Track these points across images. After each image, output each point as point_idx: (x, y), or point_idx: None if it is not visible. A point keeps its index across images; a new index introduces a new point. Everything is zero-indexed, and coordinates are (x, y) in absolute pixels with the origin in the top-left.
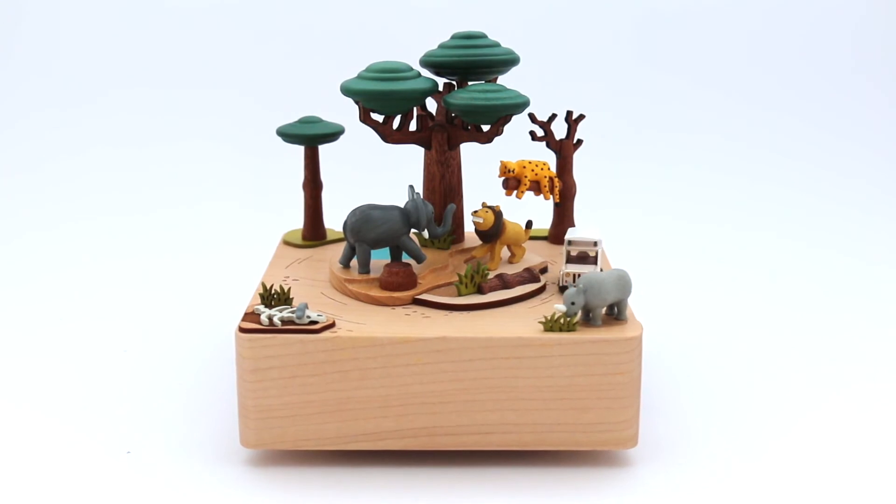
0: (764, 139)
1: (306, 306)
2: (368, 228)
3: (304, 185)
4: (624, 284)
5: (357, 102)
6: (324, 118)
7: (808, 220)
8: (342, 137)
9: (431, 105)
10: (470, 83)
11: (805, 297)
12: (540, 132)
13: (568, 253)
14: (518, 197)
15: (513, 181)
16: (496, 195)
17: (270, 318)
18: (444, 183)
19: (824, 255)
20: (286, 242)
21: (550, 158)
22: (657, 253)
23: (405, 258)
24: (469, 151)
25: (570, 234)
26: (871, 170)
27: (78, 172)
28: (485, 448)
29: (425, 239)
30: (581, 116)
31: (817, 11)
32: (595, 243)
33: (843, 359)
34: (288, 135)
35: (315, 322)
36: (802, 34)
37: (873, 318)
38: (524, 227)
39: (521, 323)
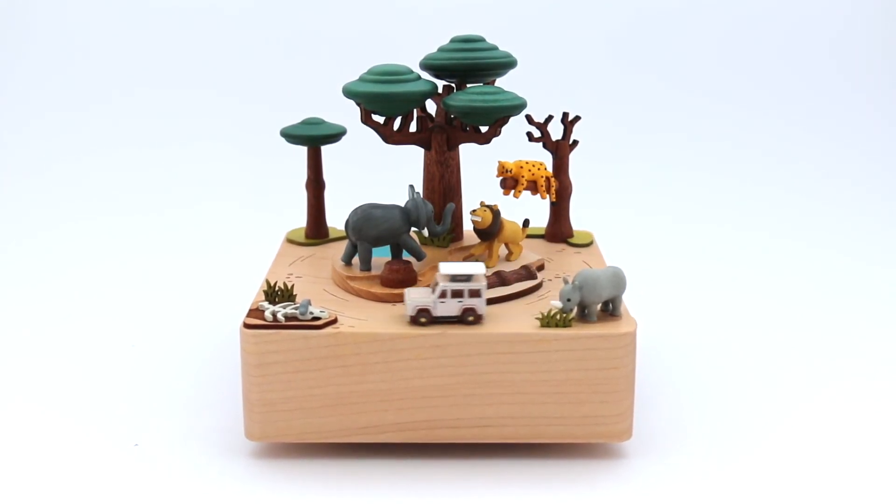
0: (762, 139)
1: (309, 303)
2: (370, 227)
3: (307, 185)
4: (618, 281)
5: (358, 104)
6: (326, 119)
7: (805, 221)
8: (344, 138)
9: (431, 107)
10: (469, 85)
11: (800, 295)
12: (537, 133)
13: (436, 283)
14: (515, 196)
15: (510, 181)
16: (494, 195)
17: (274, 315)
18: (443, 182)
19: (820, 255)
20: (290, 241)
21: (547, 159)
22: (654, 252)
23: (405, 256)
24: (468, 152)
25: (446, 268)
26: (869, 170)
27: (86, 173)
28: (483, 441)
29: (425, 237)
30: (577, 118)
31: (815, 11)
32: (451, 278)
33: (837, 356)
34: (291, 136)
35: (318, 318)
36: (802, 33)
37: (869, 316)
38: (521, 226)
39: (518, 319)
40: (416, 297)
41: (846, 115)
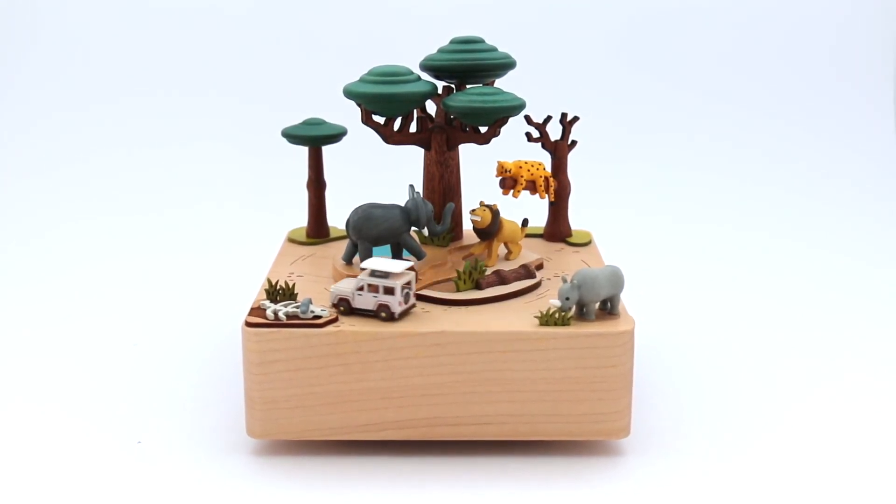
0: (762, 139)
1: (310, 301)
2: (370, 226)
3: (309, 185)
4: (616, 280)
5: (359, 105)
6: (327, 120)
7: (805, 221)
8: (345, 138)
9: (431, 107)
10: (468, 86)
11: (799, 295)
12: (535, 133)
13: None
14: (514, 196)
15: (509, 181)
16: (493, 194)
17: (276, 313)
18: (443, 182)
19: (820, 255)
20: (291, 240)
21: (546, 159)
22: (652, 251)
23: (406, 255)
24: (467, 152)
25: (369, 262)
26: (869, 170)
27: (88, 173)
28: (482, 438)
29: (425, 237)
30: (575, 118)
31: (815, 11)
32: (370, 272)
33: (835, 355)
34: (293, 136)
35: (319, 317)
36: (802, 32)
37: (867, 316)
38: (520, 226)
39: (517, 317)
40: (341, 286)
41: (846, 115)
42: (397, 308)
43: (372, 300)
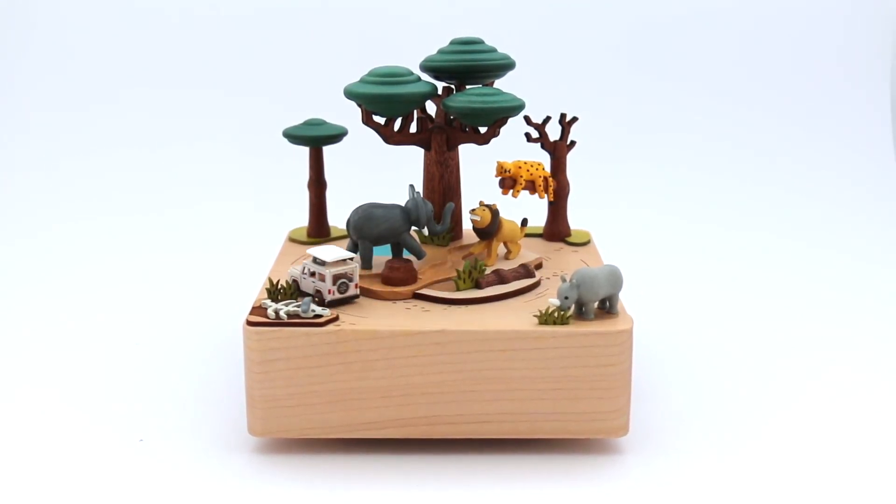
0: (762, 139)
1: (311, 300)
2: (371, 226)
3: (309, 185)
4: (615, 280)
5: (359, 105)
6: (328, 120)
7: (804, 221)
8: (345, 139)
9: (431, 108)
10: (468, 87)
11: (797, 294)
12: (535, 134)
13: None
14: (514, 196)
15: (509, 181)
16: (493, 194)
17: (277, 312)
18: (443, 182)
19: (818, 255)
20: (292, 240)
21: (545, 159)
22: (650, 250)
23: (406, 254)
24: (467, 152)
25: (314, 249)
26: (869, 170)
27: (90, 173)
28: (482, 436)
29: (425, 236)
30: (574, 119)
31: (816, 11)
32: (312, 258)
33: (832, 354)
34: (294, 136)
35: (319, 316)
36: (803, 31)
37: (864, 315)
38: (520, 225)
39: (516, 316)
40: (294, 268)
41: (847, 115)
42: (327, 295)
43: (311, 285)
